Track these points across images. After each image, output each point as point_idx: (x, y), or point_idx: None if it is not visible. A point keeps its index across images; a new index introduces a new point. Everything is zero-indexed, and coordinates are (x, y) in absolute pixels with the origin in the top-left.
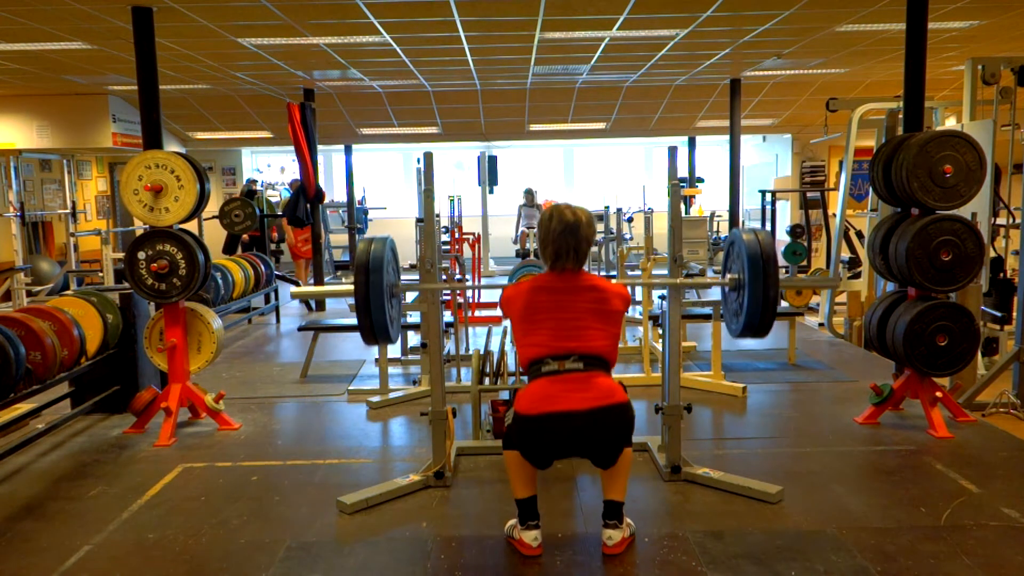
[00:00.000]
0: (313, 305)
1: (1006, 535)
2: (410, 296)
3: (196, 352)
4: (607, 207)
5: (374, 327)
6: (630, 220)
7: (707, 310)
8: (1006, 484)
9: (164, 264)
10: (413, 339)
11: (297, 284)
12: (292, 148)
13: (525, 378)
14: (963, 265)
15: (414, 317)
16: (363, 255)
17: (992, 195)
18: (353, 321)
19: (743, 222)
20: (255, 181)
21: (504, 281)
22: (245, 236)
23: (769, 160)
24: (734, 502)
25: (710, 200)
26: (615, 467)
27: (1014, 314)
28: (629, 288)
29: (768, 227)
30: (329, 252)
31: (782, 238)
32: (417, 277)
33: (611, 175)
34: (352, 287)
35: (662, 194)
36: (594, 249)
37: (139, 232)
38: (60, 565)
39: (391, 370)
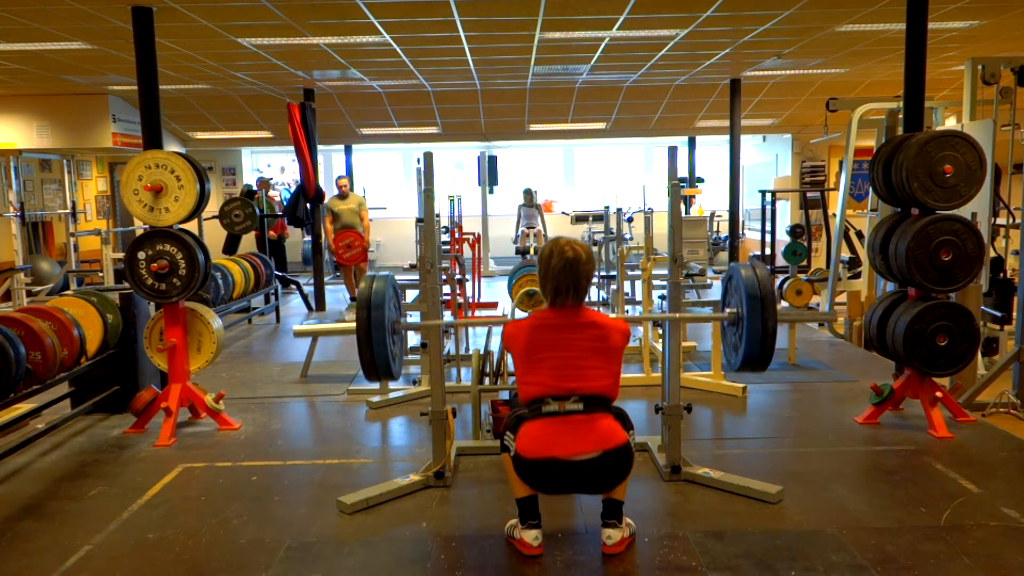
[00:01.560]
0: (313, 305)
1: (1006, 535)
2: (410, 296)
3: (196, 352)
4: (607, 207)
5: (375, 361)
6: (630, 220)
7: (707, 310)
8: (1006, 484)
9: (164, 264)
10: (413, 339)
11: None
12: (292, 148)
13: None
14: (963, 265)
15: (414, 317)
16: (365, 291)
17: (992, 195)
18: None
19: (743, 223)
20: (267, 180)
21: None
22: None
23: (769, 160)
24: (734, 502)
25: (710, 200)
26: None
27: (1014, 314)
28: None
29: (768, 227)
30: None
31: (782, 238)
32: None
33: (611, 175)
34: (354, 324)
35: (662, 194)
36: (595, 249)
37: (139, 232)
38: (60, 565)
39: None
